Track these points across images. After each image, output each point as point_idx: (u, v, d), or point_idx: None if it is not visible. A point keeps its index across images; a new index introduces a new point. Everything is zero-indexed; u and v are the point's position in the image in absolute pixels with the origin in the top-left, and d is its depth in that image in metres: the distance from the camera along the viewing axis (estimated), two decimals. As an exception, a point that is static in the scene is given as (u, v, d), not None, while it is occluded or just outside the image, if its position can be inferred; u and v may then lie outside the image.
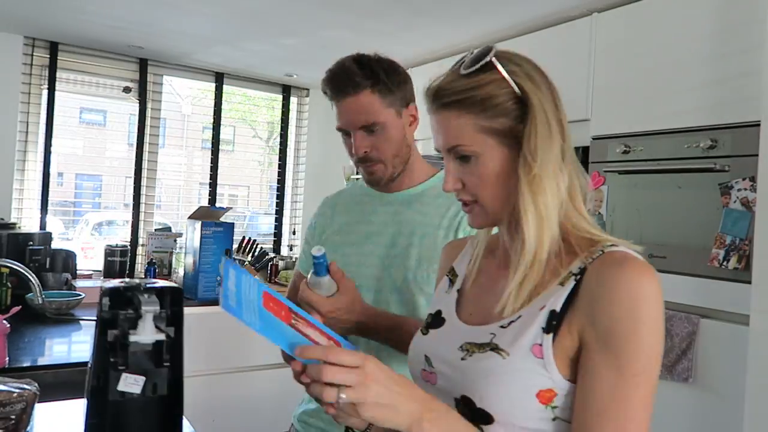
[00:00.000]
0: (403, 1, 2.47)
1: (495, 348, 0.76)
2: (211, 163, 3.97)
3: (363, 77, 1.22)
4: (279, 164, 4.31)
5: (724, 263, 1.79)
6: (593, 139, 2.26)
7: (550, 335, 0.73)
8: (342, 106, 1.25)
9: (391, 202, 1.32)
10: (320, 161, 4.37)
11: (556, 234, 0.78)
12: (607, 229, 2.16)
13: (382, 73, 1.24)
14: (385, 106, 1.24)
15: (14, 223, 3.16)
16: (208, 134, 4.00)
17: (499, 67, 0.78)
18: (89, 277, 3.29)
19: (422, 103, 0.88)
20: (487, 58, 0.79)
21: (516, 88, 0.78)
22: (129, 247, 3.52)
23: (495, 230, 0.92)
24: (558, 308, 0.75)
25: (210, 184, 3.96)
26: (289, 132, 4.32)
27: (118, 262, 3.36)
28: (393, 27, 2.81)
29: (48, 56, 3.41)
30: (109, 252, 3.36)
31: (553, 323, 0.74)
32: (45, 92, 3.42)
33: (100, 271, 3.41)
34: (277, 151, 4.33)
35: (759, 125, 1.67)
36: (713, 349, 1.82)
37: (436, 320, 0.91)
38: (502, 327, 0.78)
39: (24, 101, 3.33)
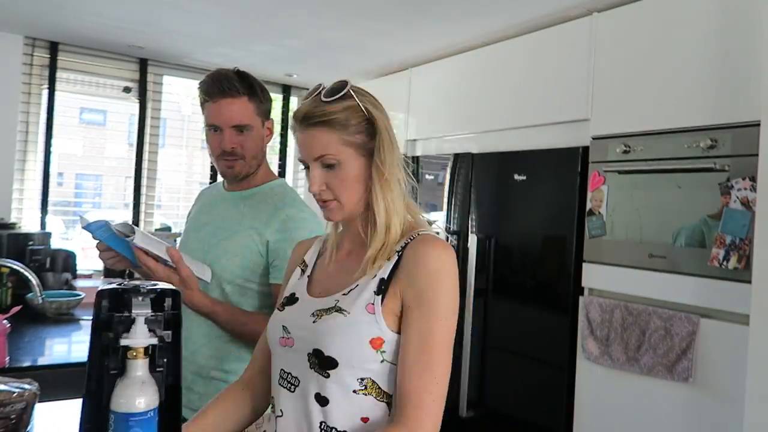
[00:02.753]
0: (403, 1, 2.47)
1: (339, 309, 0.99)
2: (212, 163, 3.96)
3: (245, 86, 1.46)
4: (279, 164, 4.31)
5: (724, 263, 1.79)
6: (593, 139, 2.26)
7: (380, 296, 0.98)
8: (220, 105, 1.44)
9: (228, 200, 1.54)
10: (320, 161, 4.37)
11: (402, 219, 1.03)
12: (606, 229, 2.17)
13: (258, 88, 1.50)
14: (256, 114, 1.49)
15: (14, 223, 3.16)
16: (208, 134, 3.99)
17: (355, 96, 1.02)
18: (89, 277, 3.29)
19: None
20: (345, 90, 1.01)
21: (366, 113, 1.02)
22: (129, 247, 3.51)
23: (340, 229, 1.13)
24: (386, 276, 0.99)
25: (210, 183, 3.96)
26: (289, 132, 4.32)
27: (118, 262, 3.35)
28: (393, 27, 2.81)
29: (48, 56, 3.41)
30: (110, 252, 3.36)
31: (383, 288, 0.98)
32: (45, 92, 3.42)
33: (100, 271, 3.41)
34: (277, 151, 4.33)
35: (759, 125, 1.67)
36: (713, 349, 1.82)
37: (290, 300, 1.10)
38: (344, 294, 1.01)
39: (24, 101, 3.33)
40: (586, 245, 2.24)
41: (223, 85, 1.44)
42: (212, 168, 3.96)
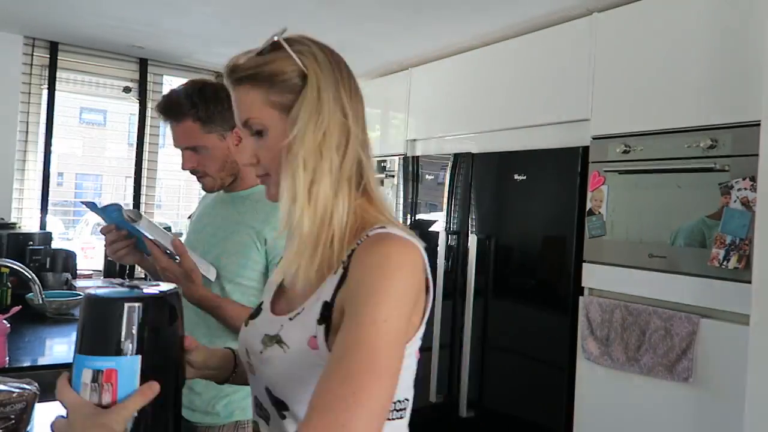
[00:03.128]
0: (403, 1, 2.47)
1: (279, 341, 0.79)
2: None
3: (187, 107, 1.43)
4: (279, 164, 4.31)
5: (724, 263, 1.79)
6: (593, 139, 2.26)
7: (323, 326, 0.75)
8: (170, 129, 1.49)
9: (227, 201, 1.55)
10: (320, 161, 4.37)
11: (321, 217, 0.77)
12: (606, 229, 2.16)
13: (207, 102, 1.44)
14: (206, 132, 1.45)
15: (14, 223, 3.16)
16: (208, 134, 3.99)
17: (285, 45, 0.80)
18: (89, 277, 3.29)
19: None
20: (275, 38, 0.80)
21: (301, 64, 0.79)
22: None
23: None
24: (329, 299, 0.76)
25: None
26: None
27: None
28: (393, 27, 2.81)
29: (48, 56, 3.41)
30: (110, 252, 3.36)
31: (326, 314, 0.75)
32: (45, 92, 3.42)
33: (100, 271, 3.41)
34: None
35: (759, 125, 1.66)
36: (713, 348, 1.82)
37: (256, 311, 0.91)
38: (290, 319, 0.80)
39: (24, 101, 3.33)
40: (586, 245, 2.24)
41: (166, 109, 1.46)
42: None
